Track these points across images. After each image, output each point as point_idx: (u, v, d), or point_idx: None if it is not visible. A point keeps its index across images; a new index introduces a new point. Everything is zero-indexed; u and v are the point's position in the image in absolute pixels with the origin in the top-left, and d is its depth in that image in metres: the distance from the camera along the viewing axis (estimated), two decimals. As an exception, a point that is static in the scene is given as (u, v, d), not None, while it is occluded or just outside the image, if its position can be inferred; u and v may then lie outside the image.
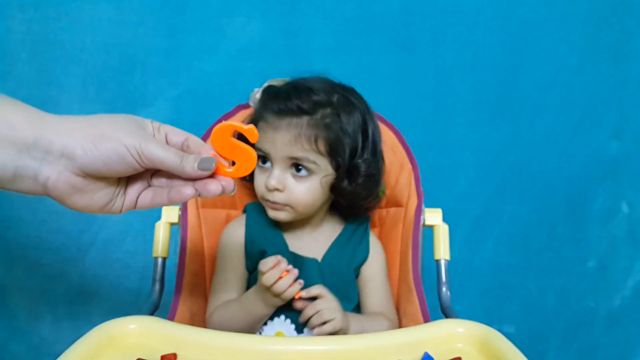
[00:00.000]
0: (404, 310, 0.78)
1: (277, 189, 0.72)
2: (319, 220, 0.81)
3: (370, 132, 0.76)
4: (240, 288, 0.79)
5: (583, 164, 1.25)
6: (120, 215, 1.26)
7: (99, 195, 0.47)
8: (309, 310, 0.69)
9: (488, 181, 1.24)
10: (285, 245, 0.78)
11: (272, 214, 0.75)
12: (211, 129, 0.84)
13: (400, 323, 0.79)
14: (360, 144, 0.75)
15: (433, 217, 0.83)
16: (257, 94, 0.79)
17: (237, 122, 0.50)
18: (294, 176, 0.73)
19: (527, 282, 1.29)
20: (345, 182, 0.75)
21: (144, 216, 1.15)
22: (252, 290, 0.73)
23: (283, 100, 0.72)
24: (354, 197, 0.77)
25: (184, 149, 0.49)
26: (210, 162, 0.48)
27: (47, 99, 1.08)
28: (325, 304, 0.70)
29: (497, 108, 1.22)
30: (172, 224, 0.83)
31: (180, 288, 0.78)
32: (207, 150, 0.49)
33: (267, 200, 0.74)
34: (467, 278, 1.26)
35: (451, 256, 0.82)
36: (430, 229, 0.83)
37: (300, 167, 0.72)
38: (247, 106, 0.86)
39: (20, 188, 0.44)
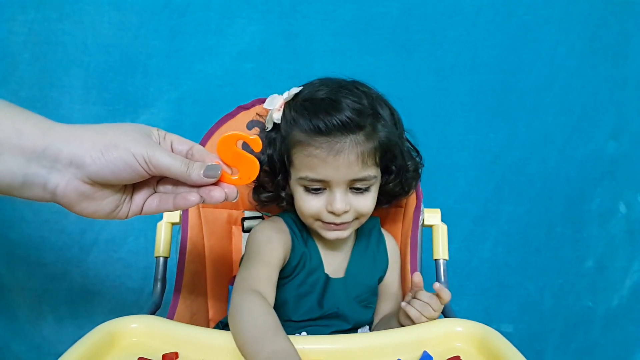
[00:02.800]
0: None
1: (345, 212, 0.69)
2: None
3: (398, 118, 0.74)
4: (274, 281, 0.67)
5: (581, 164, 1.25)
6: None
7: (106, 202, 0.48)
8: (428, 299, 0.64)
9: (487, 181, 1.24)
10: (322, 264, 0.75)
11: (334, 234, 0.71)
12: (212, 130, 0.84)
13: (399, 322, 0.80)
14: (399, 138, 0.73)
15: (432, 217, 0.84)
16: (279, 105, 0.72)
17: (243, 132, 0.51)
18: (354, 193, 0.70)
19: (526, 282, 1.29)
20: (395, 183, 0.75)
21: (146, 216, 1.15)
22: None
23: (333, 114, 0.65)
24: (401, 194, 0.78)
25: (188, 157, 0.50)
26: (216, 170, 0.49)
27: (49, 100, 1.09)
28: (439, 309, 0.65)
29: (496, 109, 1.22)
30: (173, 224, 0.83)
31: (180, 288, 0.79)
32: (211, 158, 0.50)
33: (330, 223, 0.70)
34: (466, 278, 1.27)
35: (450, 256, 0.82)
36: (429, 228, 0.84)
37: (359, 184, 0.69)
38: (247, 107, 0.86)
39: (29, 195, 0.45)
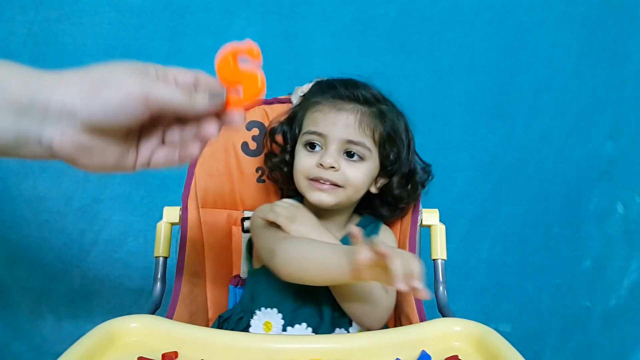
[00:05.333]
0: (401, 309, 0.79)
1: (332, 167, 0.71)
2: (345, 218, 0.80)
3: (411, 134, 0.80)
4: None
5: (579, 164, 1.25)
6: (122, 215, 1.27)
7: (109, 153, 0.44)
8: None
9: (485, 182, 1.25)
10: None
11: (317, 196, 0.72)
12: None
13: (397, 322, 0.80)
14: (406, 147, 0.78)
15: (430, 217, 0.84)
16: (303, 88, 0.81)
17: (235, 45, 0.47)
18: (347, 159, 0.73)
19: (523, 281, 1.30)
20: (399, 180, 0.78)
21: (145, 216, 1.15)
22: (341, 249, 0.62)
23: (348, 88, 0.74)
24: (399, 200, 0.80)
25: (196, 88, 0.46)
26: (221, 94, 0.45)
27: (48, 100, 1.09)
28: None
29: (493, 110, 1.22)
30: (173, 224, 0.83)
31: (179, 287, 0.79)
32: (217, 85, 0.47)
33: (317, 181, 0.72)
34: (464, 278, 1.27)
35: (448, 256, 0.82)
36: (427, 229, 0.84)
37: (353, 153, 0.73)
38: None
39: (27, 153, 0.41)
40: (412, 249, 0.80)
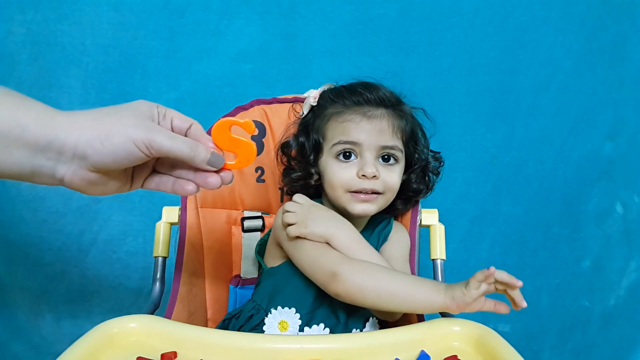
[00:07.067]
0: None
1: (374, 176, 0.71)
2: (367, 219, 0.79)
3: (426, 137, 0.82)
4: None
5: (578, 164, 1.26)
6: (121, 215, 1.27)
7: (111, 184, 0.51)
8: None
9: (484, 182, 1.25)
10: None
11: (362, 207, 0.72)
12: (210, 131, 0.85)
13: (396, 322, 0.80)
14: (424, 142, 0.80)
15: (429, 217, 0.84)
16: (312, 96, 0.79)
17: (233, 117, 0.53)
18: (382, 164, 0.73)
19: (523, 281, 1.29)
20: (417, 175, 0.79)
21: (144, 216, 1.15)
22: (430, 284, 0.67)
23: (372, 92, 0.74)
24: (422, 190, 0.81)
25: (187, 135, 0.52)
26: (219, 160, 0.51)
27: (47, 100, 1.05)
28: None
29: (493, 110, 1.22)
30: (172, 224, 0.83)
31: (178, 287, 0.79)
32: (206, 139, 0.52)
33: (360, 192, 0.72)
34: (464, 278, 1.24)
35: (447, 256, 0.82)
36: (426, 229, 0.84)
37: (387, 156, 0.73)
38: (246, 107, 0.86)
39: (39, 182, 0.48)
40: (411, 250, 0.80)
